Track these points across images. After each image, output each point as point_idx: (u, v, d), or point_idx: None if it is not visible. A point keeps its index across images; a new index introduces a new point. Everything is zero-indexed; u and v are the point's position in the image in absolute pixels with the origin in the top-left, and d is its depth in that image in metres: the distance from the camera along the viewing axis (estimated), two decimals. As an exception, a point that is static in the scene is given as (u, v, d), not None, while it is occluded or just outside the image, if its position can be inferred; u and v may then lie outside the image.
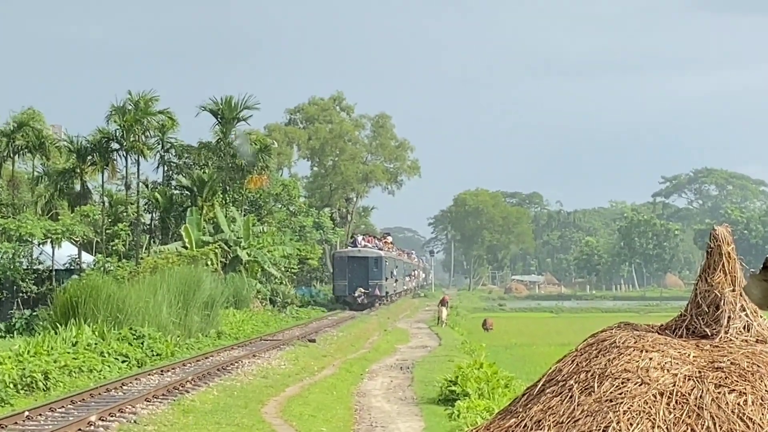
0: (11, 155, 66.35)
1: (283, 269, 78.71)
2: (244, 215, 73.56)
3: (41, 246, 62.60)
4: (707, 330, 8.43)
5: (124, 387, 29.09)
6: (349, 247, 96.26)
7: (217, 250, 65.27)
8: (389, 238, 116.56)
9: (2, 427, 21.67)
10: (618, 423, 7.32)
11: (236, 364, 36.31)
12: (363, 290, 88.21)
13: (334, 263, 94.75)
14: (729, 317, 8.41)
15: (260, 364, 37.32)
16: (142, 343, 38.01)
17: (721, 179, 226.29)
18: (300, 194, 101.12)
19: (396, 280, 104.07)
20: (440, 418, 26.06)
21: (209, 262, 61.85)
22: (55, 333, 36.37)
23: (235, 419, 24.43)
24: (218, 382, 31.17)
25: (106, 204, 71.67)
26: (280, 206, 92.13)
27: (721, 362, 7.85)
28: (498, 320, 77.75)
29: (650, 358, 7.91)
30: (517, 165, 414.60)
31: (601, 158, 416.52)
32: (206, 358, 38.78)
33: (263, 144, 74.86)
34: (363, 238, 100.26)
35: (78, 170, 67.62)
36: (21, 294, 60.19)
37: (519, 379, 31.71)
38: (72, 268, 64.63)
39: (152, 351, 37.90)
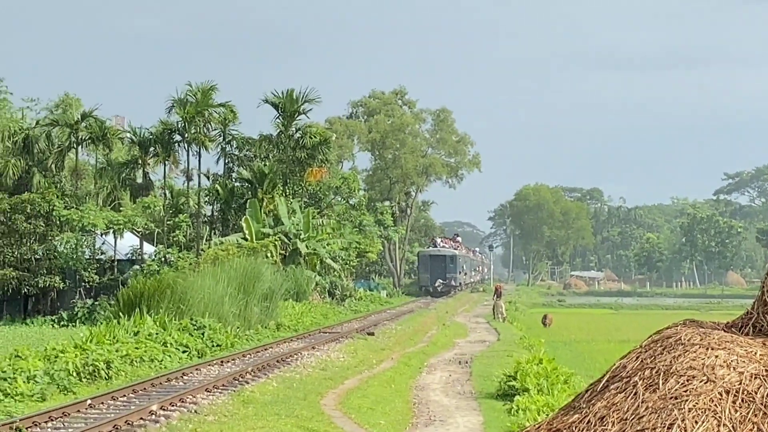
0: (75, 146, 66.94)
1: (341, 262, 78.82)
2: (304, 208, 73.70)
3: (103, 236, 63.17)
4: (774, 328, 8.36)
5: (185, 377, 29.29)
6: (429, 247, 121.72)
7: (276, 243, 65.49)
8: (459, 239, 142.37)
9: (65, 415, 21.89)
10: (683, 421, 7.27)
11: (295, 356, 36.40)
12: (441, 281, 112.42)
13: (419, 260, 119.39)
14: (797, 315, 8.33)
15: (319, 356, 37.39)
16: (202, 334, 38.25)
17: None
18: (360, 187, 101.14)
19: (465, 274, 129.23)
20: (499, 413, 26.00)
21: (269, 254, 62.08)
22: (118, 323, 36.68)
23: (295, 411, 24.50)
24: (278, 373, 31.26)
25: (168, 195, 72.14)
26: (339, 199, 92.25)
27: (788, 361, 7.78)
28: (557, 316, 77.38)
29: (716, 356, 7.84)
30: (578, 160, 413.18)
31: (663, 154, 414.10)
32: (266, 349, 38.93)
33: (323, 137, 74.93)
34: (441, 240, 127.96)
35: (140, 161, 68.15)
36: (83, 283, 60.76)
37: (578, 376, 31.58)
38: (133, 258, 65.17)
39: (212, 342, 38.14)
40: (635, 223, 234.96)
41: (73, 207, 61.27)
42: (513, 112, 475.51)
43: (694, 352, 7.95)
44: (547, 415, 20.48)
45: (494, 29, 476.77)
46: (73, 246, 60.02)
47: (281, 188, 72.51)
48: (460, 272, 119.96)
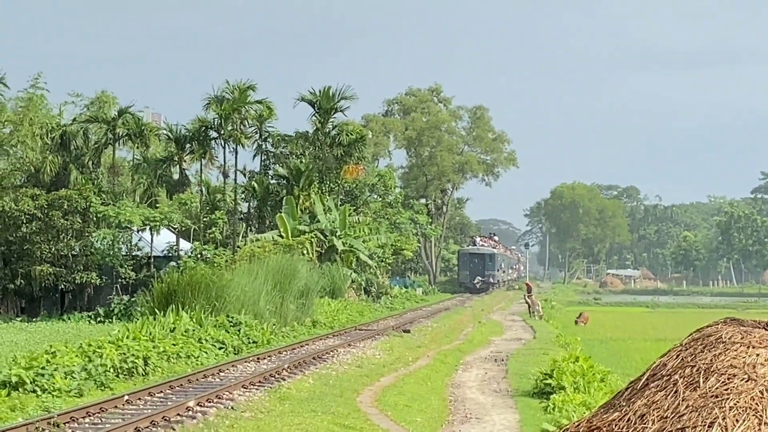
0: (111, 143, 67.24)
1: (377, 259, 78.85)
2: (340, 205, 73.77)
3: (140, 233, 63.41)
4: (815, 327, 8.29)
5: (221, 373, 29.36)
6: (469, 246, 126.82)
7: (312, 240, 65.57)
8: (496, 237, 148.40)
9: (103, 411, 21.98)
10: (724, 419, 7.22)
11: (331, 353, 36.43)
12: (480, 278, 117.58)
13: (459, 258, 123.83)
14: (838, 314, 8.25)
15: (355, 353, 37.40)
16: (238, 331, 38.33)
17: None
18: (396, 185, 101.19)
19: (503, 272, 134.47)
20: (535, 411, 25.92)
21: (305, 251, 62.17)
22: (154, 319, 36.79)
23: (331, 407, 24.51)
24: (314, 370, 31.29)
25: (204, 192, 72.37)
26: (375, 197, 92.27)
27: (829, 360, 7.71)
28: (593, 314, 77.04)
29: (757, 354, 7.79)
30: (615, 158, 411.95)
31: (700, 152, 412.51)
32: (302, 346, 38.97)
33: (359, 134, 74.96)
34: (480, 239, 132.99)
35: (176, 158, 68.40)
36: (120, 280, 61.07)
37: (615, 374, 31.45)
38: (170, 255, 65.39)
39: (248, 338, 38.21)
40: (672, 222, 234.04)
41: (109, 203, 61.58)
42: (550, 110, 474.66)
43: (735, 350, 7.90)
44: (584, 413, 20.42)
45: (533, 27, 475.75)
46: (110, 242, 60.34)
47: (317, 185, 72.59)
48: (498, 270, 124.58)
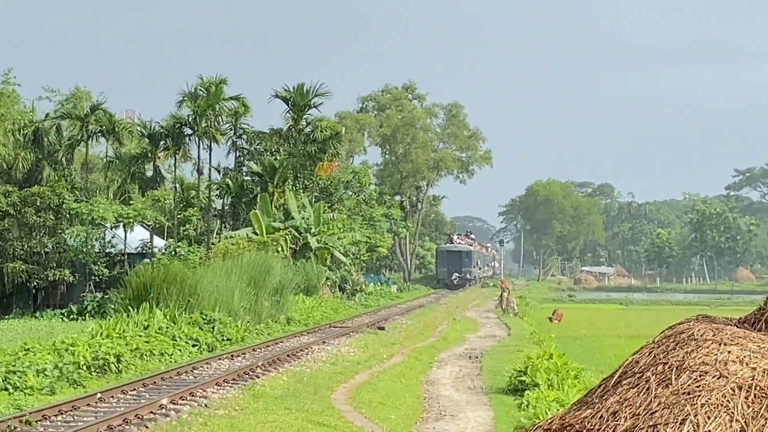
0: (85, 139, 66.98)
1: (352, 257, 78.83)
2: (315, 202, 73.69)
3: (113, 230, 63.17)
4: (787, 324, 8.30)
5: (195, 371, 29.29)
6: (447, 244, 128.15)
7: (287, 237, 65.48)
8: (472, 236, 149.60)
9: (75, 409, 21.90)
10: (695, 416, 7.23)
11: (306, 351, 36.41)
12: (458, 275, 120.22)
13: (438, 255, 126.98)
14: (810, 311, 8.28)
15: (330, 350, 37.40)
16: (212, 328, 38.26)
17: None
18: (370, 182, 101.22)
19: (480, 269, 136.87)
20: (509, 407, 25.98)
21: (279, 249, 62.09)
22: (127, 316, 36.68)
23: (305, 405, 24.50)
24: (288, 368, 31.27)
25: (178, 189, 72.18)
26: (350, 194, 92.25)
27: (801, 357, 7.73)
28: (567, 311, 77.41)
29: (729, 351, 7.80)
30: (590, 155, 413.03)
31: (675, 150, 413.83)
32: (276, 343, 38.94)
33: (334, 131, 74.92)
34: (458, 237, 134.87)
35: (150, 155, 68.19)
36: (93, 277, 60.83)
37: (588, 371, 31.60)
38: (144, 252, 65.17)
39: (223, 336, 38.15)
40: (646, 219, 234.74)
41: (83, 200, 61.34)
42: (525, 108, 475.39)
43: (707, 347, 7.91)
44: (557, 410, 20.45)
45: (507, 24, 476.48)
46: (83, 239, 60.09)
47: (292, 182, 72.53)
48: (474, 267, 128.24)
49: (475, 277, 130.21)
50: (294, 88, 71.93)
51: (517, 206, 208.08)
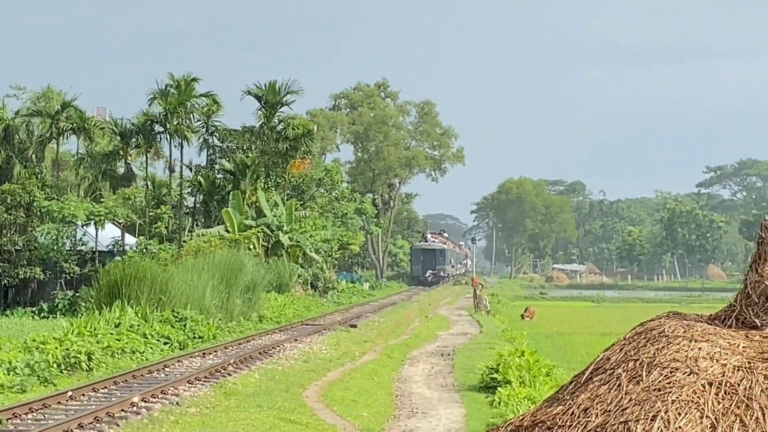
0: (55, 137, 66.67)
1: (324, 254, 78.77)
2: (287, 200, 73.54)
3: (84, 227, 62.88)
4: (757, 321, 8.34)
5: (167, 369, 29.21)
6: (421, 242, 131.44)
7: (259, 235, 65.35)
8: (446, 234, 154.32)
9: (46, 407, 21.80)
10: (666, 412, 7.25)
11: (278, 348, 36.38)
12: (432, 272, 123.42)
13: (412, 253, 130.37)
14: (779, 308, 8.31)
15: (302, 348, 37.37)
16: (184, 326, 38.14)
17: (765, 170, 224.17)
18: (343, 179, 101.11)
19: (453, 266, 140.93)
20: (481, 405, 26.00)
21: (251, 246, 62.00)
22: (99, 314, 36.54)
23: (277, 402, 24.46)
24: (260, 365, 31.22)
25: (149, 186, 71.92)
26: (322, 191, 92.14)
27: (771, 353, 7.76)
28: (539, 309, 77.59)
29: (699, 348, 7.83)
30: (562, 153, 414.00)
31: (648, 148, 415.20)
32: (248, 341, 38.88)
33: (306, 128, 74.75)
34: (431, 235, 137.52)
35: (121, 153, 67.93)
36: (64, 275, 60.55)
37: (560, 368, 31.66)
38: (115, 249, 64.92)
39: (194, 333, 38.04)
40: (617, 217, 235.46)
41: (53, 198, 61.04)
42: (497, 106, 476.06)
43: (678, 344, 7.94)
44: (529, 407, 20.51)
45: (480, 22, 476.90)
46: (54, 237, 59.78)
47: (264, 180, 72.39)
48: (448, 264, 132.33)
49: (448, 274, 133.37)
50: (266, 85, 71.70)
51: (489, 204, 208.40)
